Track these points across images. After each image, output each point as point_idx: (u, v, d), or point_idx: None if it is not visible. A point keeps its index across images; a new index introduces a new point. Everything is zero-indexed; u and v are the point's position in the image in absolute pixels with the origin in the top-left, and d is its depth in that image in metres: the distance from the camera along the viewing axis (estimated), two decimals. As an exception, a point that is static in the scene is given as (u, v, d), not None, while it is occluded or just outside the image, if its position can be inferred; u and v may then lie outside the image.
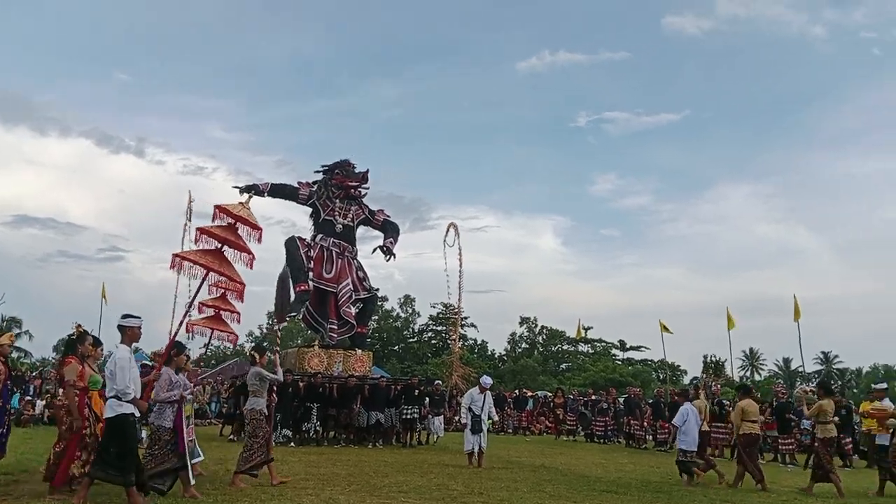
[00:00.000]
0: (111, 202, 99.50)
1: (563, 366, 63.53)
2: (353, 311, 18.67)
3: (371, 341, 49.11)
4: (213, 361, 53.73)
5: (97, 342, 8.42)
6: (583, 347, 63.99)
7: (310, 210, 19.15)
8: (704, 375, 26.04)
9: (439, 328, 61.77)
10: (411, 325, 65.53)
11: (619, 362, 60.83)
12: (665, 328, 30.78)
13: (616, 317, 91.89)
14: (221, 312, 9.62)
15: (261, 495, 7.86)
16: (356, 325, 18.70)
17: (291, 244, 18.00)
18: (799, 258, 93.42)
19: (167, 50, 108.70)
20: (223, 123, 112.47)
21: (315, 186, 19.07)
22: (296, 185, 19.06)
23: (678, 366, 58.93)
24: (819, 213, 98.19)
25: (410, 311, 65.78)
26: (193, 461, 8.07)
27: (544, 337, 66.50)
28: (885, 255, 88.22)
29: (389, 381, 17.93)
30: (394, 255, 19.61)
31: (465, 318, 53.65)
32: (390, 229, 19.95)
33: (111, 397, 6.93)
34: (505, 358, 64.14)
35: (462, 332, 48.38)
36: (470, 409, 12.55)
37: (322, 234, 18.65)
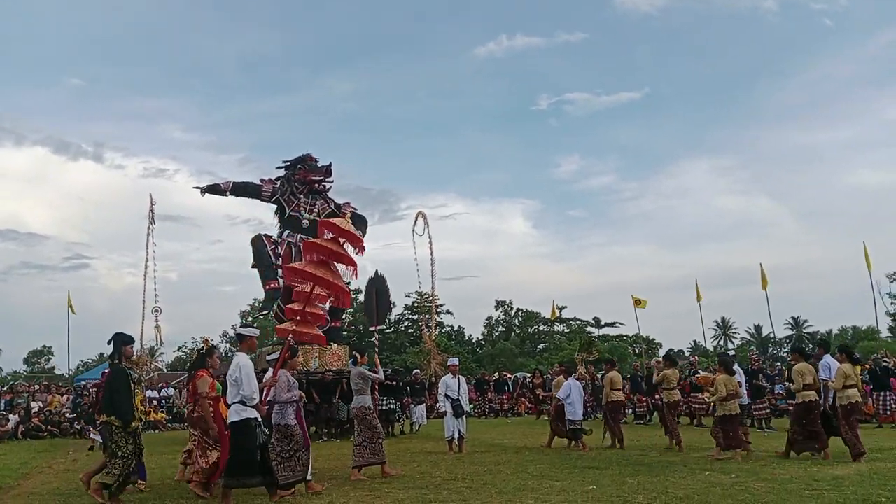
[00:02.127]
0: (72, 210, 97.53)
1: (541, 346, 63.91)
2: (326, 305, 18.50)
3: (347, 334, 48.93)
4: (188, 364, 53.13)
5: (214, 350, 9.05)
6: (558, 327, 64.37)
7: (275, 207, 18.94)
8: (579, 353, 27.49)
9: (415, 317, 61.76)
10: (388, 317, 65.31)
11: (595, 339, 61.30)
12: (638, 302, 31.05)
13: (589, 295, 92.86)
14: (308, 317, 9.81)
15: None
16: (330, 319, 18.56)
17: (258, 242, 17.82)
18: (763, 228, 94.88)
19: (119, 53, 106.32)
20: (182, 124, 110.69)
21: (278, 183, 18.84)
22: (258, 183, 18.83)
23: (653, 339, 59.64)
24: (780, 183, 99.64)
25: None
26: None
27: (520, 319, 66.73)
28: (846, 219, 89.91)
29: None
30: (363, 247, 19.50)
31: (441, 305, 53.72)
32: (357, 222, 19.79)
33: (235, 402, 7.29)
34: (483, 342, 64.31)
35: (438, 319, 48.40)
36: (447, 396, 12.57)
37: (289, 231, 18.47)
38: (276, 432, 8.13)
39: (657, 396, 19.34)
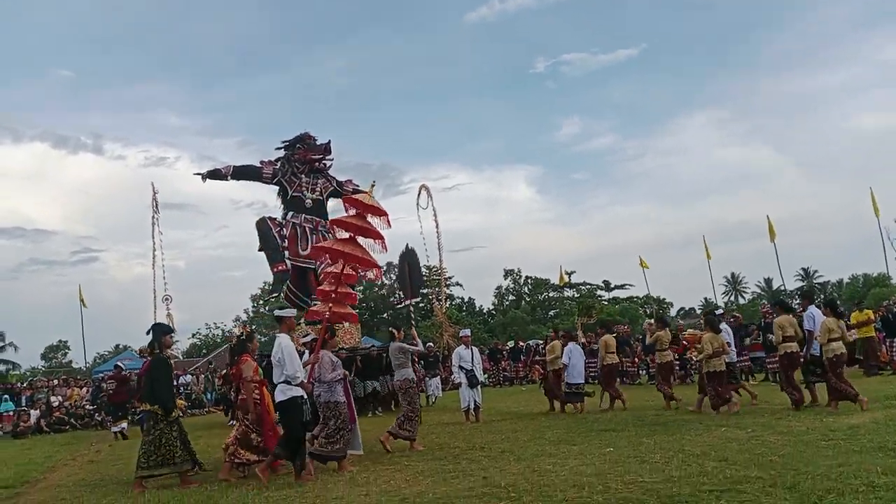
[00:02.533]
0: (77, 203, 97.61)
1: (552, 312, 64.07)
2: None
3: (359, 311, 48.93)
4: (203, 350, 53.55)
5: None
6: (568, 292, 64.49)
7: (277, 189, 18.92)
8: (578, 317, 27.92)
9: (424, 291, 62.03)
10: (397, 292, 65.51)
11: (606, 302, 61.40)
12: (644, 264, 31.10)
13: (597, 258, 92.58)
14: (338, 297, 9.97)
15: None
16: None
17: (263, 225, 17.83)
18: (766, 179, 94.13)
19: (107, 41, 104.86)
20: (177, 110, 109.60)
21: (279, 164, 18.80)
22: (259, 165, 18.80)
23: (664, 299, 59.71)
24: (779, 133, 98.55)
25: (394, 277, 65.72)
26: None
27: (529, 287, 66.87)
28: (850, 165, 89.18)
29: (380, 349, 17.97)
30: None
31: (450, 277, 53.83)
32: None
33: (280, 382, 7.53)
34: (493, 312, 64.53)
35: (448, 291, 48.50)
36: (461, 367, 12.69)
37: (292, 212, 18.47)
38: (327, 409, 8.17)
39: (687, 356, 19.45)
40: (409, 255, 17.94)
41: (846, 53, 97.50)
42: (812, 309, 10.94)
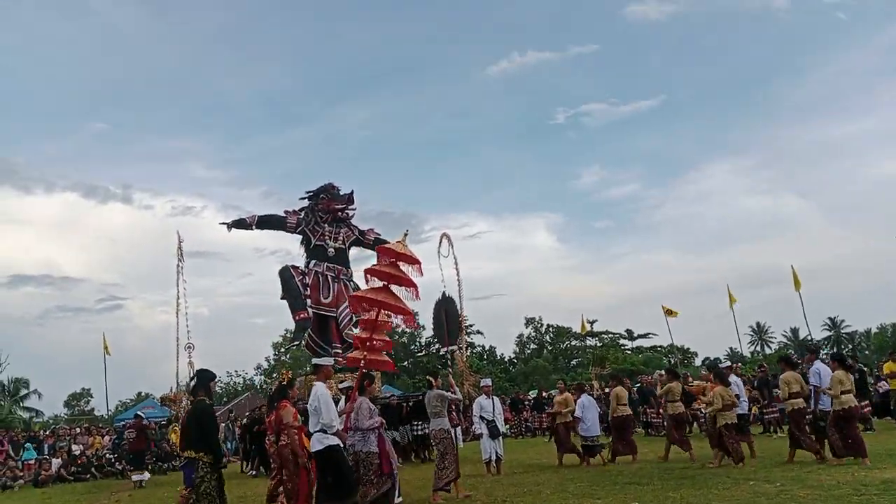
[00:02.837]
0: (104, 252, 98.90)
1: (574, 362, 63.34)
2: (356, 332, 18.64)
3: (379, 360, 48.59)
4: (224, 399, 53.40)
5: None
6: (591, 341, 63.81)
7: (300, 238, 19.14)
8: (592, 367, 27.75)
9: (447, 339, 61.53)
10: (418, 340, 65.31)
11: (629, 352, 60.65)
12: (669, 312, 30.72)
13: (620, 307, 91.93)
14: (374, 345, 10.05)
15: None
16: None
17: (285, 273, 18.00)
18: (790, 227, 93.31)
19: (139, 95, 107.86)
20: (205, 161, 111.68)
21: (302, 213, 19.07)
22: (283, 215, 19.08)
23: (688, 348, 58.82)
24: (803, 180, 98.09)
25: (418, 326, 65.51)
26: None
27: (551, 335, 66.29)
28: (876, 212, 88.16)
29: (400, 399, 17.86)
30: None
31: (470, 325, 53.61)
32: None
33: (316, 431, 7.49)
34: (515, 361, 63.95)
35: (469, 339, 48.25)
36: (482, 418, 12.53)
37: (315, 260, 18.64)
38: (357, 458, 8.09)
39: (695, 407, 19.16)
40: (446, 302, 17.98)
41: (870, 101, 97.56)
42: (818, 364, 10.94)
